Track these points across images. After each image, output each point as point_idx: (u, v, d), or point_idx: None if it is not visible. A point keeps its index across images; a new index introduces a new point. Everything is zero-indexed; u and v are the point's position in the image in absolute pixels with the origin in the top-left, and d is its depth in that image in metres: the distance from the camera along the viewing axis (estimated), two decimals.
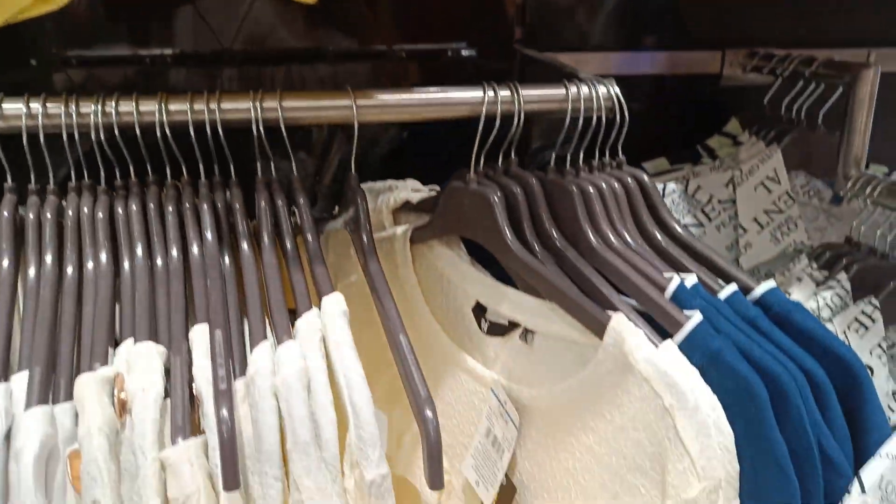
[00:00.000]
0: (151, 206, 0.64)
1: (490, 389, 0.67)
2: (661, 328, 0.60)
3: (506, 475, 0.66)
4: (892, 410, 0.76)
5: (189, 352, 0.55)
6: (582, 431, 0.60)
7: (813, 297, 0.78)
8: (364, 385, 0.52)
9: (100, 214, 0.63)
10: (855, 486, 0.55)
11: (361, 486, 0.50)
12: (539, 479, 0.64)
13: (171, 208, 0.64)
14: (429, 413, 0.51)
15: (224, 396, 0.48)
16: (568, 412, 0.61)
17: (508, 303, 0.66)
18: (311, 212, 0.65)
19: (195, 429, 0.52)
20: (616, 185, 0.68)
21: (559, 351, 0.63)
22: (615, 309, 0.59)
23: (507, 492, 0.66)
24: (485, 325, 0.68)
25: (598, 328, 0.58)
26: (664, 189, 0.88)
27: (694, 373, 0.56)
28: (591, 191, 0.67)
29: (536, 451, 0.64)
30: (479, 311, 0.70)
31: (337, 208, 0.77)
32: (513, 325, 0.67)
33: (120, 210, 0.63)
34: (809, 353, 0.59)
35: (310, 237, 0.62)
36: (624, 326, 0.56)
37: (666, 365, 0.54)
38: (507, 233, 0.64)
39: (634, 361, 0.55)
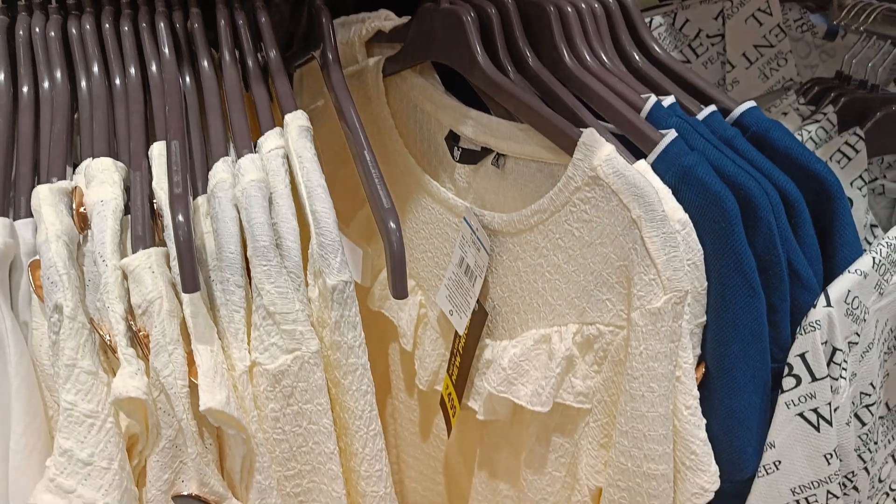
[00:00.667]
0: (107, 25, 0.61)
1: (462, 218, 0.66)
2: (637, 152, 0.58)
3: (478, 302, 0.66)
4: (869, 243, 0.75)
5: (149, 169, 0.54)
6: (551, 251, 0.59)
7: (798, 132, 0.76)
8: (325, 194, 0.51)
9: (52, 33, 0.60)
10: (821, 300, 0.55)
11: (325, 294, 0.50)
12: (510, 302, 0.64)
13: (126, 28, 0.61)
14: (392, 224, 0.50)
15: (179, 200, 0.47)
16: (538, 233, 0.60)
17: (481, 128, 0.64)
18: (274, 31, 0.62)
19: (158, 242, 0.52)
20: (595, 4, 0.65)
21: (530, 173, 0.61)
22: (587, 127, 0.57)
23: (478, 317, 0.66)
24: (457, 153, 0.67)
25: (569, 144, 0.56)
26: (650, 23, 0.84)
27: (664, 187, 0.55)
28: (569, 10, 0.64)
29: (507, 276, 0.64)
30: (453, 139, 0.68)
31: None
32: (485, 151, 0.65)
33: (73, 30, 0.61)
34: (785, 170, 0.58)
35: (272, 54, 0.60)
36: (594, 141, 0.55)
37: (635, 178, 0.53)
38: (479, 52, 0.62)
39: (604, 175, 0.54)
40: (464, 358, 0.68)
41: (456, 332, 0.69)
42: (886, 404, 0.66)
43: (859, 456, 0.61)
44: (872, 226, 0.75)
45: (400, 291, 0.50)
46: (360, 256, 0.74)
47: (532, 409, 0.60)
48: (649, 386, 0.54)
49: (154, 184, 0.53)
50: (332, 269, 0.49)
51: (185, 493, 0.50)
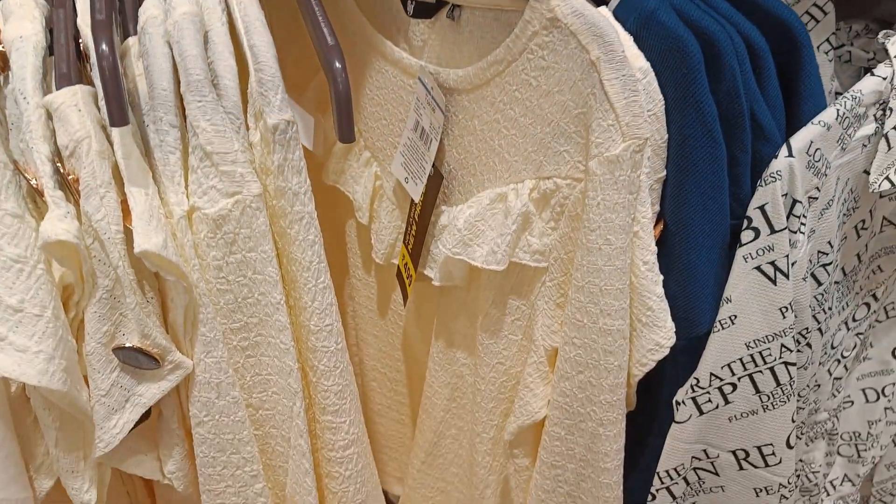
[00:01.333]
0: None
1: (417, 78, 0.63)
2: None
3: (433, 166, 0.64)
4: None
5: (73, 7, 0.50)
6: (508, 105, 0.57)
7: None
8: (263, 28, 0.48)
9: None
10: (782, 150, 0.54)
11: (266, 135, 0.47)
12: (466, 163, 0.62)
13: None
14: (336, 63, 0.47)
15: (102, 27, 0.43)
16: (494, 87, 0.57)
17: None
18: None
19: (85, 83, 0.48)
20: None
21: (486, 24, 0.58)
22: None
23: (434, 182, 0.64)
24: (411, 7, 0.63)
25: None
26: None
27: (625, 34, 0.53)
28: None
29: (463, 137, 0.62)
30: None
31: None
32: (440, 3, 0.61)
33: None
34: (751, 18, 0.55)
35: None
36: None
37: (595, 17, 0.50)
38: None
39: (562, 15, 0.51)
40: (419, 226, 0.66)
41: (412, 200, 0.67)
42: (843, 269, 0.66)
43: (814, 316, 0.61)
44: (837, 93, 0.73)
45: (346, 134, 0.47)
46: (312, 124, 0.71)
47: (487, 268, 0.58)
48: (606, 238, 0.53)
49: (79, 21, 0.49)
50: (273, 108, 0.46)
51: (127, 346, 0.48)
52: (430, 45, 0.64)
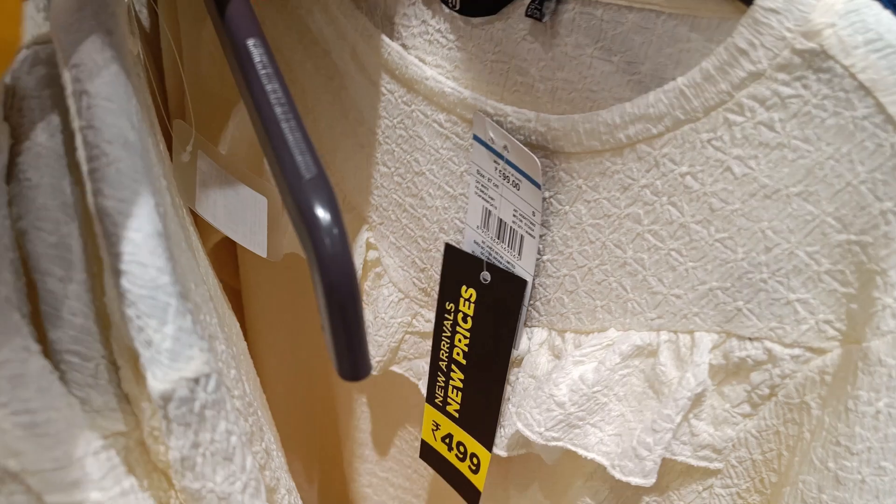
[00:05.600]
0: None
1: (473, 136, 0.34)
2: None
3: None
4: None
5: None
6: (663, 195, 0.30)
7: None
8: (131, 158, 0.17)
9: None
10: None
11: (150, 401, 0.19)
12: (552, 271, 0.35)
13: None
14: (321, 214, 0.18)
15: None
16: (631, 159, 0.30)
17: None
18: None
19: None
20: None
21: (619, 35, 0.30)
22: None
23: (511, 288, 0.37)
24: None
25: None
26: None
27: None
28: None
29: (554, 228, 0.34)
30: None
31: None
32: None
33: None
34: None
35: None
36: None
37: None
38: None
39: (841, 49, 0.24)
40: (476, 362, 0.40)
41: (444, 313, 0.40)
42: None
43: None
44: None
45: (355, 369, 0.20)
46: (265, 207, 0.42)
47: (624, 479, 0.33)
48: (878, 466, 0.28)
49: None
50: (160, 353, 0.18)
51: None
52: (485, 57, 0.35)
